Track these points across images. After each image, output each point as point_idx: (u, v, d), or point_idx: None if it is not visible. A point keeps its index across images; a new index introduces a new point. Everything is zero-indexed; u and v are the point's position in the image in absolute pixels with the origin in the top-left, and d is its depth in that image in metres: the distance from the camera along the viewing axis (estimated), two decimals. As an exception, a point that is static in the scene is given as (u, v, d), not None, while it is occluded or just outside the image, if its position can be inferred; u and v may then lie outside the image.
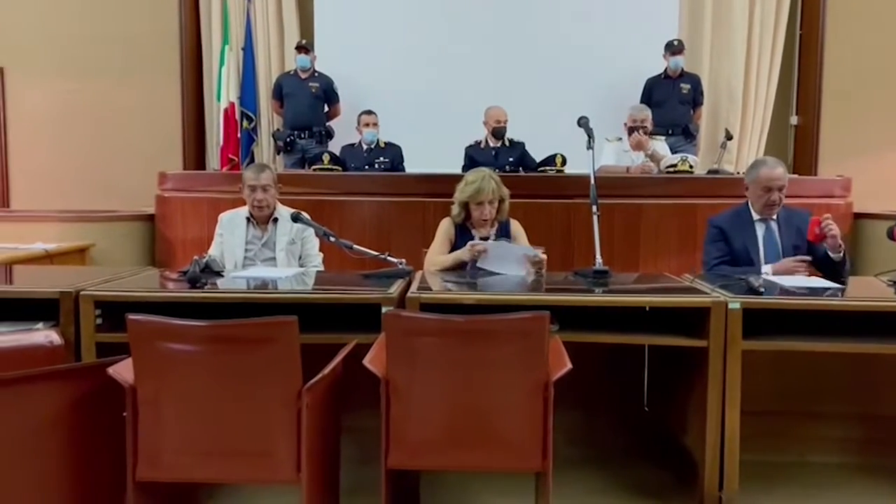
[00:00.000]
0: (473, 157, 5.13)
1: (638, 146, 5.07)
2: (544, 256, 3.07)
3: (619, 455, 2.89)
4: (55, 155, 6.20)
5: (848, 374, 2.86)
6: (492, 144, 5.24)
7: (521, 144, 5.29)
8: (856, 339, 2.45)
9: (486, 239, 3.36)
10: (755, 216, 3.27)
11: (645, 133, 5.13)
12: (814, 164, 6.20)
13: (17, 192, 6.29)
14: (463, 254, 3.20)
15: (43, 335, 2.23)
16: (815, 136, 6.22)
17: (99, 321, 2.46)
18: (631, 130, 5.18)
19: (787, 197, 3.24)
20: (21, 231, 4.74)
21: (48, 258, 4.32)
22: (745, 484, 2.48)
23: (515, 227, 3.44)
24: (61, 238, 4.74)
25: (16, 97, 6.24)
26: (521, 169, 5.16)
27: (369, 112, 5.44)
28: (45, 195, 5.99)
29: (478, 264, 3.13)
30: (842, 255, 3.07)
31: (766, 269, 3.10)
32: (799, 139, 6.49)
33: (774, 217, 3.26)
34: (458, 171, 4.78)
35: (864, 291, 2.98)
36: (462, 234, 3.38)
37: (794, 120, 6.51)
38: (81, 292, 2.46)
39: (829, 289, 2.76)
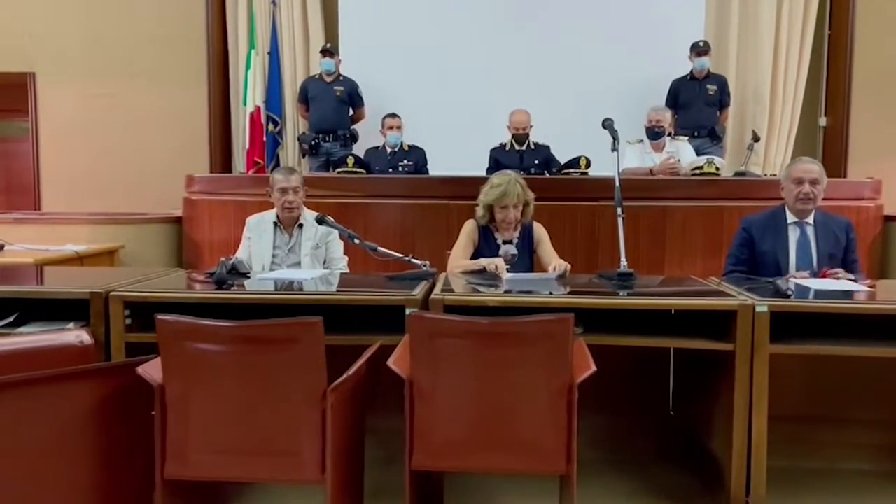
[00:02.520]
0: (498, 160, 5.13)
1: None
2: (568, 266, 3.06)
3: (643, 459, 2.88)
4: (84, 158, 6.32)
5: (879, 379, 2.81)
6: (517, 147, 5.23)
7: (547, 147, 5.27)
8: (887, 344, 2.40)
9: (509, 242, 3.37)
10: (790, 218, 3.19)
11: (664, 134, 5.11)
12: (843, 165, 6.11)
13: (48, 195, 6.42)
14: (485, 265, 3.11)
15: (74, 335, 2.26)
16: (844, 138, 6.13)
17: (128, 321, 2.50)
18: (649, 130, 5.16)
19: (816, 198, 3.17)
20: (52, 233, 4.82)
21: (78, 260, 4.39)
22: (772, 490, 2.44)
23: (539, 230, 3.43)
24: (91, 240, 4.82)
25: (46, 102, 6.37)
26: (546, 172, 5.15)
27: (393, 115, 5.47)
28: (75, 198, 6.09)
29: (505, 283, 2.96)
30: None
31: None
32: (828, 141, 6.40)
33: (810, 221, 3.17)
34: (482, 173, 4.78)
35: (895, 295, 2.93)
36: (486, 237, 3.38)
37: (822, 121, 6.41)
38: (111, 293, 2.50)
39: (858, 291, 2.71)
